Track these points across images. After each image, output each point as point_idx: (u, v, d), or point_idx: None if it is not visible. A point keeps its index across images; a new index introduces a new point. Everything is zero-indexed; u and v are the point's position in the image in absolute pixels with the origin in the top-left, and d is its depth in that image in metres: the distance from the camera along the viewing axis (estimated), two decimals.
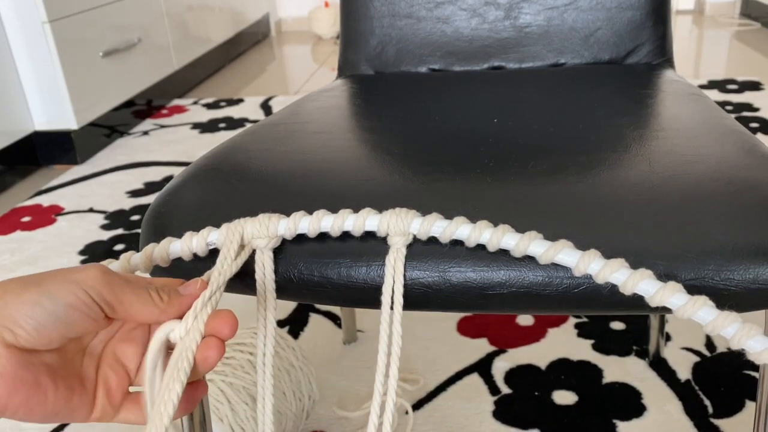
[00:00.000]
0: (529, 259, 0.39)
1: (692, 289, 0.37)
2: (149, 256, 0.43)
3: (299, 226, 0.41)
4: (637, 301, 0.36)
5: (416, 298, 0.41)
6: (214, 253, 0.42)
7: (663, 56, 0.75)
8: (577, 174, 0.44)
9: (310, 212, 0.42)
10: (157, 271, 0.45)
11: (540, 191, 0.43)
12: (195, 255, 0.43)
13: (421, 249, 0.41)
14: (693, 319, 0.35)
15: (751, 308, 0.39)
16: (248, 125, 2.15)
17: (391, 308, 0.40)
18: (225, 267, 0.40)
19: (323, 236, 0.42)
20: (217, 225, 0.44)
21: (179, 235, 0.44)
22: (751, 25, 3.04)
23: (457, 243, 0.40)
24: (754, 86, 2.20)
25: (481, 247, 0.39)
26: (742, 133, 0.50)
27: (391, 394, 0.40)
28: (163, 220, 0.47)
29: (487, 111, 0.60)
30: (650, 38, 0.75)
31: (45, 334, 0.33)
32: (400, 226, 0.39)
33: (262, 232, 0.41)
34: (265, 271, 0.42)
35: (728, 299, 0.38)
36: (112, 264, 0.42)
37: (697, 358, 0.99)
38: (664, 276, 0.38)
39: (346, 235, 0.41)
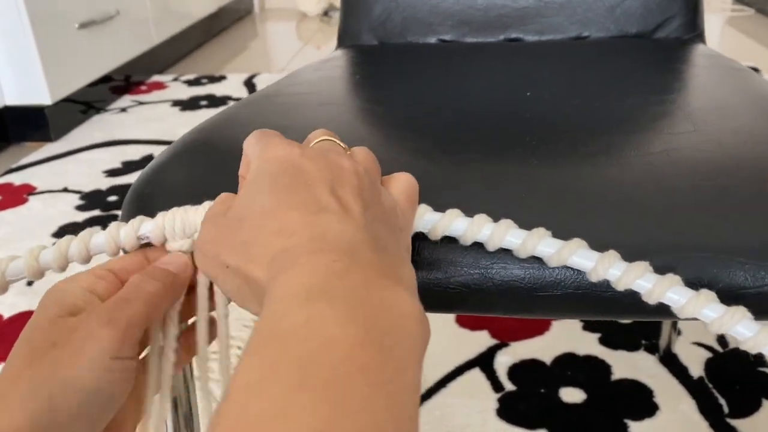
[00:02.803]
0: None
1: None
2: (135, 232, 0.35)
3: None
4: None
5: (452, 298, 0.34)
6: None
7: (694, 31, 0.69)
8: (636, 155, 0.38)
9: None
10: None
11: (595, 175, 0.37)
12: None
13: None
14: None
15: None
16: (231, 103, 2.07)
17: None
18: None
19: None
20: None
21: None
22: (744, 11, 3.00)
23: None
24: None
25: None
26: None
27: None
28: (147, 202, 0.40)
29: (513, 85, 0.53)
30: (681, 11, 0.69)
31: None
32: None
33: None
34: None
35: None
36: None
37: (709, 354, 0.94)
38: (750, 278, 0.32)
39: None
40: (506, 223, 0.32)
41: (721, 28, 2.79)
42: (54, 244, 0.34)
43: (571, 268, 0.33)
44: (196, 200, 0.39)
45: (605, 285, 0.33)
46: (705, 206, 0.34)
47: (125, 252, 0.35)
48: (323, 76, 0.58)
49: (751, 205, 0.33)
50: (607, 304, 0.33)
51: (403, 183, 0.34)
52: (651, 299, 0.31)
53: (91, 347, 0.29)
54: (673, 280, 0.30)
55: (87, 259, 0.34)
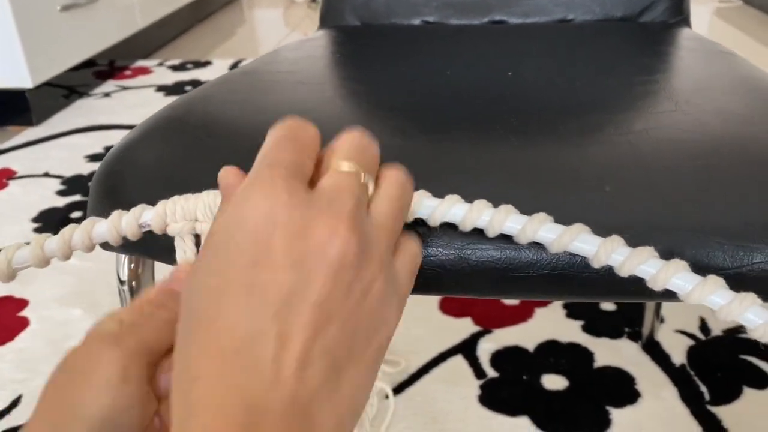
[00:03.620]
0: None
1: (763, 275, 0.31)
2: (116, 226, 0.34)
3: None
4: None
5: (427, 280, 0.34)
6: None
7: (680, 15, 0.69)
8: (617, 135, 0.37)
9: None
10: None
11: (576, 155, 0.36)
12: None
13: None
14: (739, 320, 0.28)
15: None
16: None
17: None
18: None
19: None
20: (180, 186, 0.37)
21: (134, 198, 0.36)
22: (732, 2, 3.00)
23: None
24: None
25: None
26: None
27: None
28: (116, 181, 0.39)
29: (495, 66, 0.52)
30: None
31: None
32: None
33: (209, 215, 0.33)
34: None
35: None
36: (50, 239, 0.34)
37: (691, 342, 0.94)
38: (729, 259, 0.31)
39: None
40: (506, 209, 0.31)
41: (708, 18, 2.79)
42: (33, 234, 0.34)
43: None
44: (166, 181, 0.38)
45: (581, 265, 0.33)
46: (684, 185, 0.33)
47: (127, 240, 0.34)
48: (303, 55, 0.57)
49: (731, 186, 0.33)
50: (583, 285, 0.33)
51: (409, 256, 0.29)
52: (656, 285, 0.30)
53: (97, 370, 0.26)
54: (678, 265, 0.29)
55: (90, 248, 0.34)
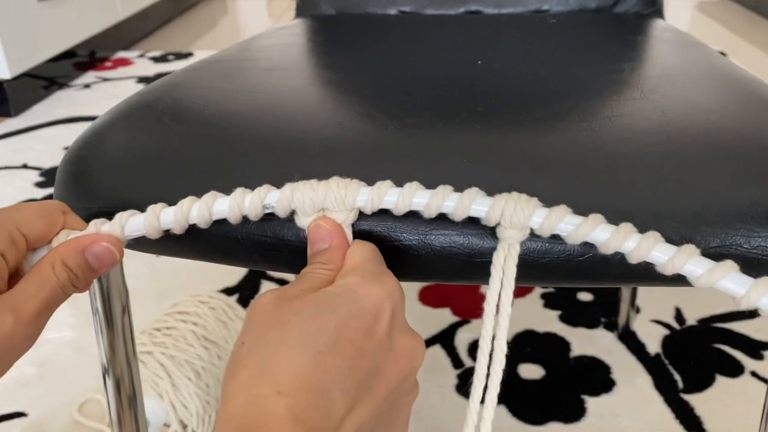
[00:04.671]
0: None
1: (717, 258, 0.31)
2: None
3: (384, 200, 0.32)
4: (652, 270, 0.30)
5: (392, 265, 0.34)
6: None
7: (653, 6, 0.69)
8: (579, 121, 0.37)
9: (259, 162, 0.34)
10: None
11: (538, 140, 0.36)
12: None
13: None
14: (761, 307, 0.29)
15: None
16: None
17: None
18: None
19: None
20: (147, 172, 0.37)
21: (103, 183, 0.36)
22: None
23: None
24: None
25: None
26: (757, 82, 0.44)
27: None
28: (82, 166, 0.39)
29: (466, 55, 0.52)
30: None
31: None
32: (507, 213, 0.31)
33: (338, 204, 0.32)
34: None
35: (757, 270, 0.32)
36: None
37: (666, 331, 0.95)
38: (684, 242, 0.32)
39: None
40: (472, 192, 0.31)
41: (690, 13, 2.81)
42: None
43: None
44: (133, 167, 0.38)
45: (543, 251, 0.33)
46: (642, 171, 0.33)
47: (247, 220, 0.34)
48: (276, 43, 0.56)
49: (687, 171, 0.33)
50: (544, 269, 0.33)
51: (419, 361, 0.32)
52: (667, 270, 0.30)
53: None
54: (731, 266, 0.29)
55: (208, 222, 0.34)
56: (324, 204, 0.32)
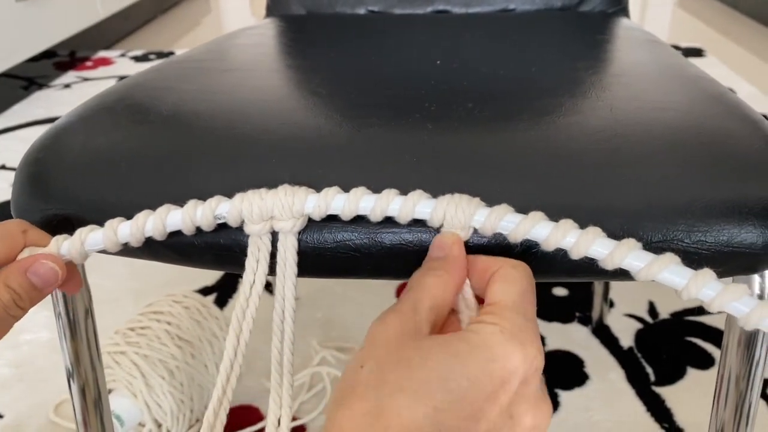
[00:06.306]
0: None
1: (659, 252, 0.32)
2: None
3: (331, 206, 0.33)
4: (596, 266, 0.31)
5: (343, 264, 0.34)
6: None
7: (618, 5, 0.70)
8: (529, 120, 0.38)
9: (214, 162, 0.34)
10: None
11: (487, 139, 0.37)
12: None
13: None
14: (699, 297, 0.30)
15: (723, 274, 0.34)
16: None
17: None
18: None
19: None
20: (103, 174, 0.37)
21: (59, 184, 0.36)
22: None
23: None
24: (697, 53, 2.19)
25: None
26: (709, 80, 0.45)
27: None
28: (39, 168, 0.39)
29: (429, 54, 0.53)
30: None
31: None
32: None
33: (285, 213, 0.33)
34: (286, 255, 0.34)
35: (698, 264, 0.33)
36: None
37: (639, 325, 0.96)
38: (627, 237, 0.33)
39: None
40: (416, 194, 0.32)
41: (671, 10, 2.83)
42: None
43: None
44: (90, 169, 0.38)
45: (491, 246, 0.34)
46: (589, 168, 0.34)
47: (200, 230, 0.34)
48: (242, 43, 0.57)
49: (633, 168, 0.34)
50: None
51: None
52: (608, 265, 0.30)
53: None
54: (671, 258, 0.30)
55: (164, 235, 0.34)
56: (272, 212, 0.33)
